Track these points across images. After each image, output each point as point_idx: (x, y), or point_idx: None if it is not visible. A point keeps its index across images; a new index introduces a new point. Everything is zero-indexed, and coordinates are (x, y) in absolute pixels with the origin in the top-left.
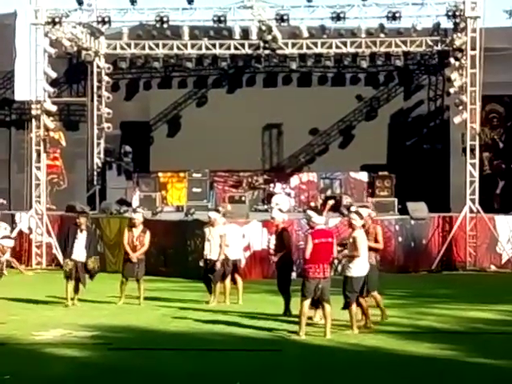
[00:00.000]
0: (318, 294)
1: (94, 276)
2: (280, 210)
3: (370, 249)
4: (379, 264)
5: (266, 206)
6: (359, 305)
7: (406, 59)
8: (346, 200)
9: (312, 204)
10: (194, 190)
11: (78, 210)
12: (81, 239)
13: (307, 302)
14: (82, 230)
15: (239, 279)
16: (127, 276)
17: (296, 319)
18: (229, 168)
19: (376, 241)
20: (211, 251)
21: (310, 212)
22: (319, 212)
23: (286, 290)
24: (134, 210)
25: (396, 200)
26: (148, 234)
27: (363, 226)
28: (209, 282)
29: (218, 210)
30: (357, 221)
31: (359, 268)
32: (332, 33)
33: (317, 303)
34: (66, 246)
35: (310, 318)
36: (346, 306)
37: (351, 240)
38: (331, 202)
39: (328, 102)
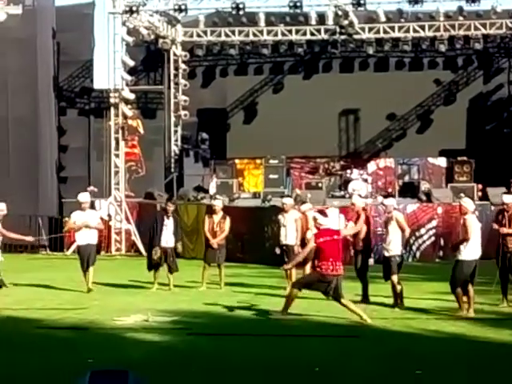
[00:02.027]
0: (330, 292)
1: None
2: (360, 196)
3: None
4: None
5: (342, 192)
6: (467, 292)
7: (485, 42)
8: (423, 186)
9: (389, 190)
10: (271, 176)
11: (166, 198)
12: (169, 225)
13: (346, 297)
14: (168, 217)
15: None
16: (209, 262)
17: (372, 305)
18: (305, 154)
19: None
20: (287, 237)
21: (315, 214)
22: (324, 213)
23: (363, 275)
24: (214, 197)
25: (475, 185)
26: (228, 219)
27: (507, 211)
28: None
29: (289, 196)
30: (468, 205)
31: (470, 251)
32: (409, 16)
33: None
34: (155, 233)
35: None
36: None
37: (461, 223)
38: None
39: (405, 86)
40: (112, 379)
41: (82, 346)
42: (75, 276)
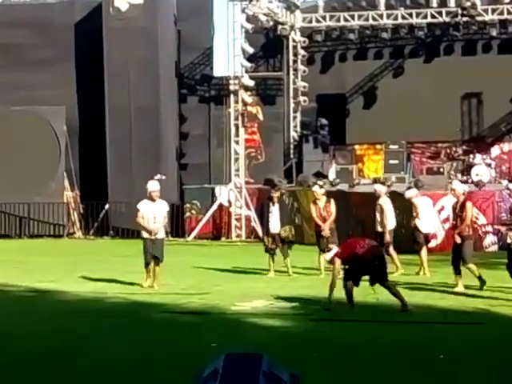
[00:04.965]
0: None
1: (291, 245)
2: (461, 182)
3: None
4: None
5: (465, 178)
6: None
7: None
8: None
9: None
10: (391, 161)
11: (272, 184)
12: (275, 212)
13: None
14: (274, 203)
15: (423, 252)
16: (323, 248)
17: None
18: (426, 139)
19: None
20: (379, 223)
21: None
22: None
23: (463, 263)
24: (314, 184)
25: None
26: (333, 202)
27: None
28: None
29: (383, 183)
30: None
31: None
32: None
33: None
34: (264, 221)
35: None
36: None
37: None
38: None
39: None
40: (246, 362)
41: (204, 330)
42: (196, 261)
